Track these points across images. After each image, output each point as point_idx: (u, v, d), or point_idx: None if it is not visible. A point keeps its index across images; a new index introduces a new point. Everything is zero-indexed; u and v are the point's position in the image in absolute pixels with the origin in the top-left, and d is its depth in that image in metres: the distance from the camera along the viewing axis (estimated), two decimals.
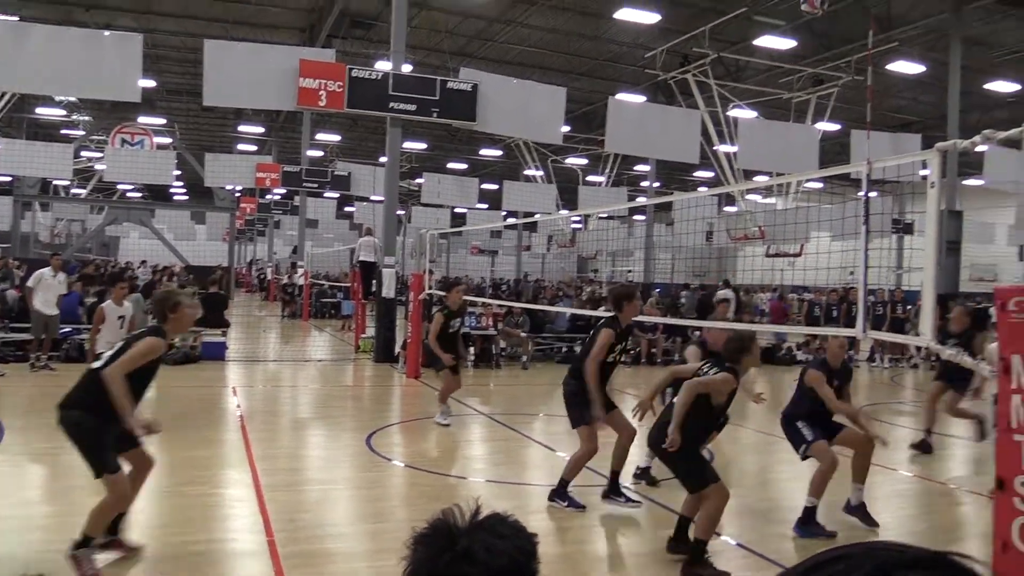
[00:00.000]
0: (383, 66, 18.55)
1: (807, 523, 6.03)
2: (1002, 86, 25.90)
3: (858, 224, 6.26)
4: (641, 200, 32.06)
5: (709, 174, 34.11)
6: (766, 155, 21.79)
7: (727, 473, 6.79)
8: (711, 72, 22.10)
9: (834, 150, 27.19)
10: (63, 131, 36.59)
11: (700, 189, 37.43)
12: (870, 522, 6.24)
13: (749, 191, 28.52)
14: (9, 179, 31.85)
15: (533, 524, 6.10)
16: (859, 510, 6.29)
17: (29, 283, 12.79)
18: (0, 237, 34.91)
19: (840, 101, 23.80)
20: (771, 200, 29.66)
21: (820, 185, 36.50)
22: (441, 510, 1.28)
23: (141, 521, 5.99)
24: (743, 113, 23.33)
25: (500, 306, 17.01)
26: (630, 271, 37.80)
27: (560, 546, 5.73)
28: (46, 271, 12.89)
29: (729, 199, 30.42)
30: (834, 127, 25.46)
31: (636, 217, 40.73)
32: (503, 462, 8.46)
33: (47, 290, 12.63)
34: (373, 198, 31.57)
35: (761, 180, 23.30)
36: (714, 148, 23.29)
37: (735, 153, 22.70)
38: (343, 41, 24.13)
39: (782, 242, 23.88)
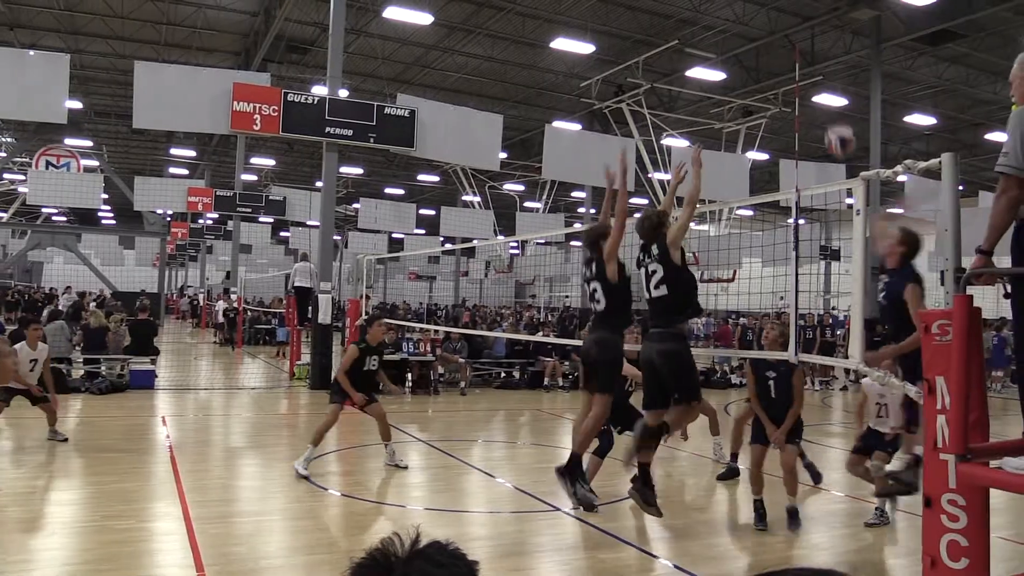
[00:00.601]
0: (319, 91, 18.45)
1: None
2: (920, 119, 27.06)
3: (788, 250, 6.43)
4: (578, 226, 32.38)
5: (644, 201, 34.67)
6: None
7: (668, 494, 6.86)
8: (644, 102, 22.56)
9: (763, 178, 28.02)
10: None
11: (636, 215, 37.94)
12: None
13: None
14: None
15: (474, 551, 6.04)
16: None
17: None
18: None
19: (768, 132, 24.54)
20: (704, 227, 30.28)
21: (751, 212, 37.42)
22: (380, 539, 1.26)
23: (62, 557, 5.76)
24: (676, 142, 23.84)
25: (437, 332, 16.95)
26: (567, 296, 38.08)
27: (501, 573, 5.69)
28: None
29: None
30: (763, 156, 26.22)
31: (573, 243, 41.08)
32: (442, 489, 8.38)
33: None
34: (309, 223, 31.24)
35: None
36: (648, 176, 23.70)
37: (668, 180, 23.13)
38: (279, 66, 23.96)
39: (715, 268, 24.36)
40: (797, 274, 6.28)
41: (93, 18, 22.72)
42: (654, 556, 6.16)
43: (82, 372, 14.52)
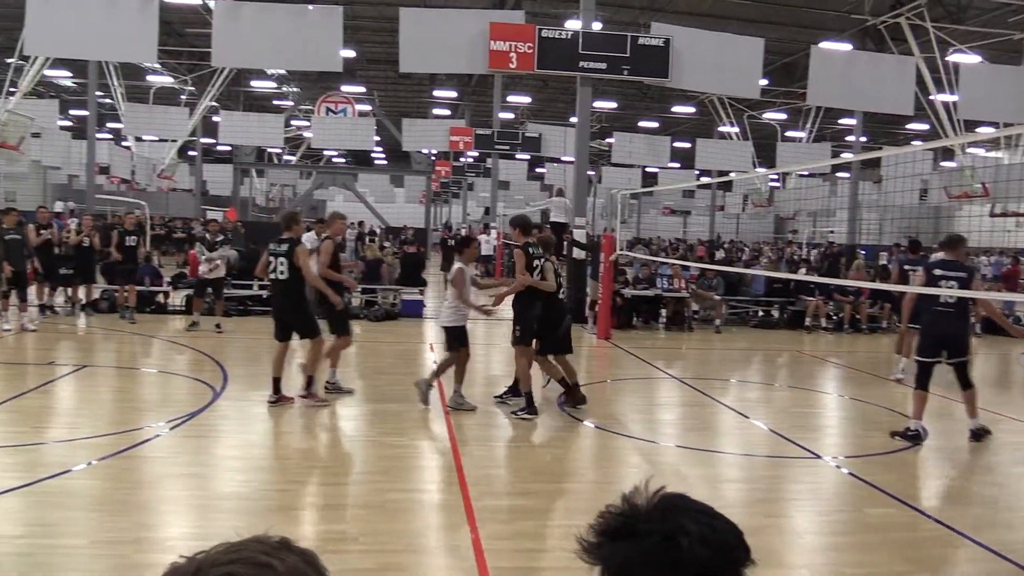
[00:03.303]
0: (573, 25, 18.37)
1: None
2: None
3: None
4: (846, 156, 30.09)
5: (924, 127, 31.40)
6: (992, 104, 19.67)
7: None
8: (927, 14, 20.26)
9: None
10: (275, 102, 39.33)
11: (914, 143, 34.55)
12: None
13: (971, 144, 25.96)
14: (229, 148, 34.73)
15: (726, 493, 5.88)
16: None
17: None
18: (221, 202, 38.24)
19: None
20: (997, 154, 26.90)
21: None
22: (623, 494, 1.15)
23: (344, 468, 6.39)
24: (965, 58, 21.16)
25: (688, 267, 16.57)
26: (832, 232, 35.77)
27: (753, 519, 5.50)
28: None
29: (947, 153, 27.90)
30: None
31: (840, 175, 38.35)
32: (694, 428, 8.26)
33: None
34: (564, 159, 31.65)
35: (986, 132, 21.12)
36: (930, 98, 21.35)
37: (955, 103, 20.69)
38: (532, 2, 24.14)
39: (1009, 200, 21.62)
40: None
41: None
42: (927, 516, 5.66)
43: (359, 301, 15.88)
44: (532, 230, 8.56)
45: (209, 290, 13.42)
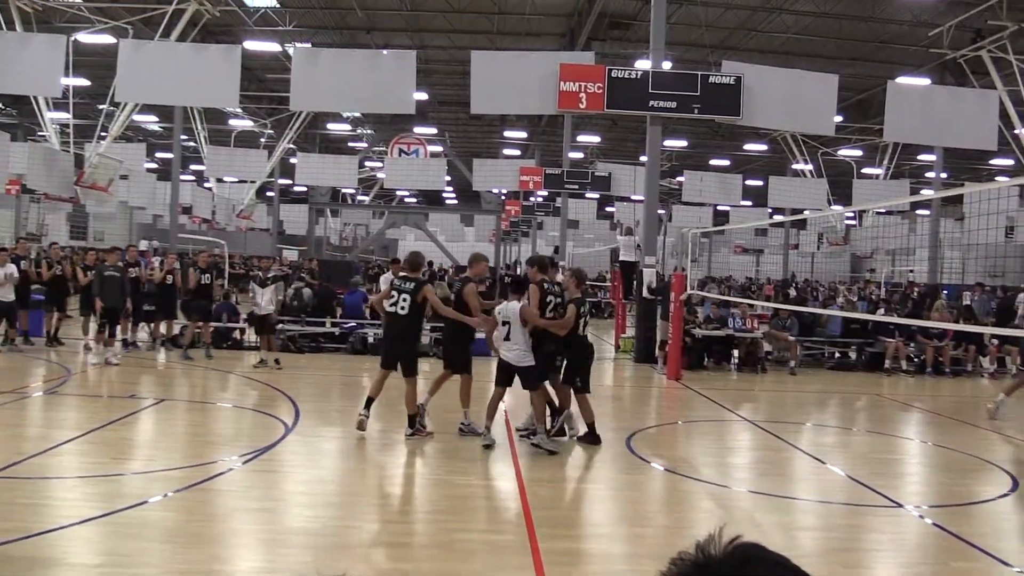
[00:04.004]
0: (642, 65, 18.42)
1: None
2: None
3: None
4: (926, 193, 29.28)
5: (1009, 162, 30.44)
6: None
7: None
8: (1010, 46, 19.66)
9: None
10: (349, 144, 40.40)
11: (998, 179, 33.43)
12: None
13: None
14: (304, 189, 35.72)
15: (801, 542, 5.67)
16: None
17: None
18: (297, 240, 39.25)
19: None
20: None
21: None
22: (696, 542, 1.10)
23: (411, 506, 6.39)
24: None
25: (765, 308, 16.25)
26: (912, 271, 34.72)
27: (831, 570, 5.28)
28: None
29: None
30: None
31: (919, 212, 37.29)
32: (768, 472, 8.01)
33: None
34: (633, 197, 31.58)
35: None
36: (1015, 132, 20.68)
37: None
38: (602, 43, 24.34)
39: None
40: None
41: (436, 15, 24.76)
42: (1018, 571, 5.34)
43: (429, 339, 16.00)
44: (548, 269, 8.70)
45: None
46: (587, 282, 9.99)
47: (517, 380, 8.19)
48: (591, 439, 8.45)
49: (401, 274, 8.75)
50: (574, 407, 8.60)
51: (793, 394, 13.41)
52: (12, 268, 13.82)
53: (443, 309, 8.61)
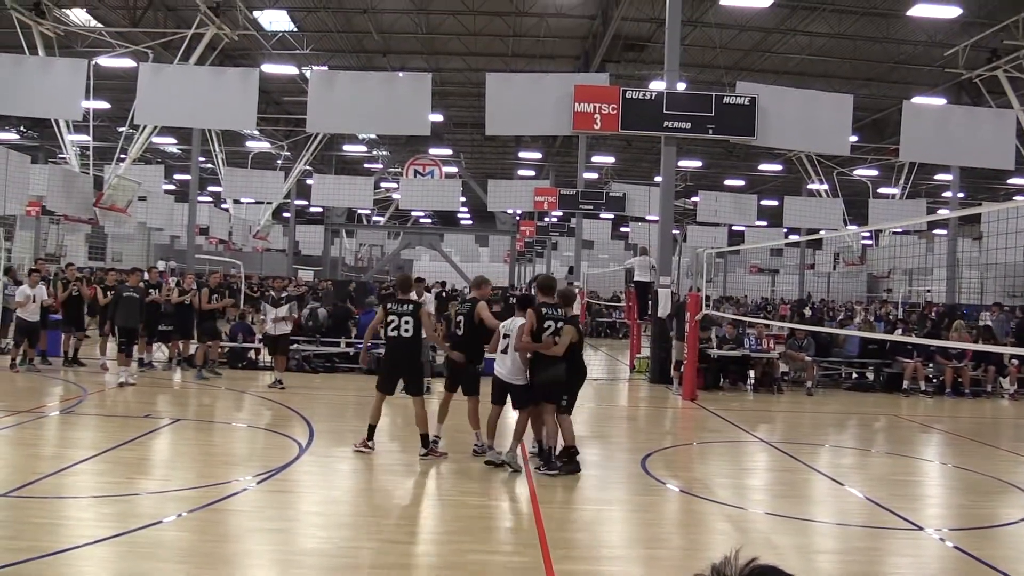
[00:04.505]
0: (657, 86, 18.48)
1: None
2: None
3: None
4: (943, 212, 29.10)
5: None
6: None
7: None
8: None
9: None
10: (365, 165, 40.68)
11: (1016, 198, 33.21)
12: None
13: None
14: (320, 210, 35.96)
15: (820, 567, 5.60)
16: None
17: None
18: (313, 261, 39.48)
19: None
20: None
21: None
22: (711, 564, 1.10)
23: (425, 527, 6.37)
24: None
25: (781, 328, 16.16)
26: (929, 291, 34.47)
27: None
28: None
29: None
30: None
31: (936, 232, 37.07)
32: (785, 494, 7.93)
33: None
34: (648, 218, 31.59)
35: None
36: None
37: None
38: (616, 65, 24.43)
39: None
40: None
41: (451, 38, 24.96)
42: None
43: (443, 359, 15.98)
44: (553, 292, 8.39)
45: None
46: (575, 301, 9.58)
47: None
48: (570, 465, 7.98)
49: (399, 297, 8.71)
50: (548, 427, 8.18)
51: (810, 415, 13.30)
52: (42, 290, 14.04)
53: (431, 332, 8.73)
